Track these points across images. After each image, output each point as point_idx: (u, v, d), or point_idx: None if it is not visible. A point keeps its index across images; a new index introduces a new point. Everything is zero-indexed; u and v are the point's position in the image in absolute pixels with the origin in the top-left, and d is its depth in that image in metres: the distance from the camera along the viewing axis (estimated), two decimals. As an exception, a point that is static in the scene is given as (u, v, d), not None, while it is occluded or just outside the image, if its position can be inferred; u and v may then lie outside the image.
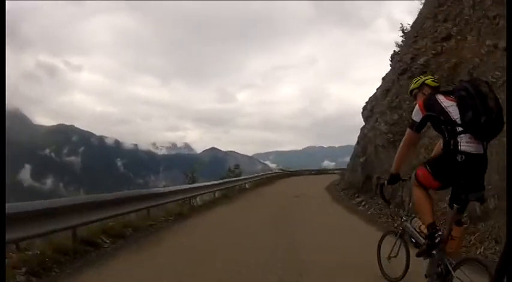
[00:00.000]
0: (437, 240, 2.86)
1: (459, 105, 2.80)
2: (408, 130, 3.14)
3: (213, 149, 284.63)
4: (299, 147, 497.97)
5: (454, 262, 2.75)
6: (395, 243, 3.64)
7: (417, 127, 3.05)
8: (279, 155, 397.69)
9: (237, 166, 27.56)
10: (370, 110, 15.53)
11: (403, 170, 3.40)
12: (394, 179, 3.30)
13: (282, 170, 34.69)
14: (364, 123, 18.17)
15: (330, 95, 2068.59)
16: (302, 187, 20.02)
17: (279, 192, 17.36)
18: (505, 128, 2.70)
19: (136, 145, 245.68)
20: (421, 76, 3.44)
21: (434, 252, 2.88)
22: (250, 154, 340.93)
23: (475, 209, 5.02)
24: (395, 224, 5.70)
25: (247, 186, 20.41)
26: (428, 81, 3.25)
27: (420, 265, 3.12)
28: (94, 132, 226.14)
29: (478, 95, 2.70)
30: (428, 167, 2.94)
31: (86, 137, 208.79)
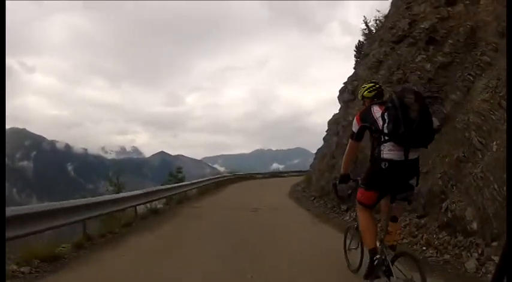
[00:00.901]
0: (375, 263, 3.12)
1: (383, 116, 3.04)
2: (349, 140, 3.52)
3: (162, 153, 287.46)
4: (248, 150, 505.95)
5: (392, 254, 3.13)
6: (353, 236, 4.06)
7: (356, 137, 3.41)
8: (227, 159, 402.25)
9: (179, 169, 22.89)
10: (351, 91, 12.03)
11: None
12: (345, 178, 3.65)
13: (233, 173, 30.05)
14: (337, 112, 14.81)
15: (280, 97, 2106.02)
16: (260, 194, 15.68)
17: (232, 204, 12.31)
18: (502, 128, 3.66)
19: (86, 149, 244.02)
20: (361, 88, 3.66)
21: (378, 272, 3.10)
22: (199, 158, 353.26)
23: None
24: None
25: (191, 193, 15.38)
26: (365, 94, 3.56)
27: None
28: (46, 136, 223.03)
29: (401, 107, 2.86)
30: (362, 185, 3.26)
31: (38, 142, 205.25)
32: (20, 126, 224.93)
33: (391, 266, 2.96)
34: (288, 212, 10.29)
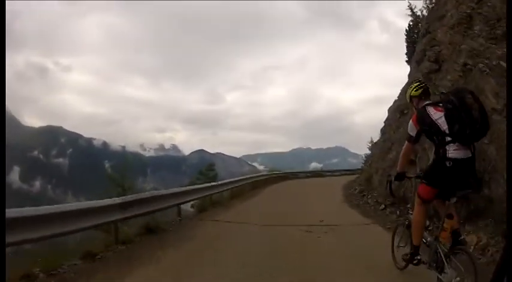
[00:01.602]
0: (415, 262, 3.50)
1: (446, 118, 3.14)
2: (406, 143, 3.66)
3: (201, 150, 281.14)
4: (287, 149, 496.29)
5: (446, 250, 3.16)
6: (403, 233, 4.03)
7: (414, 140, 3.55)
8: (266, 157, 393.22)
9: (211, 166, 19.93)
10: (434, 59, 8.51)
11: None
12: (400, 176, 3.80)
13: (272, 172, 26.29)
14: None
15: (319, 96, 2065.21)
16: (308, 200, 12.28)
17: (272, 217, 8.35)
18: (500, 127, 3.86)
19: (124, 147, 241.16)
20: (408, 89, 3.83)
21: (431, 240, 3.42)
22: (238, 156, 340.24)
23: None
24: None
25: (219, 197, 11.90)
26: (412, 93, 3.67)
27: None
28: (82, 133, 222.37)
29: (463, 108, 3.00)
30: (424, 180, 3.38)
31: (74, 139, 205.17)
32: (56, 124, 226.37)
33: (445, 262, 3.09)
34: (358, 231, 7.02)
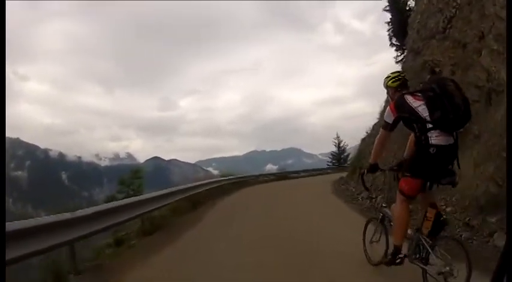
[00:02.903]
0: (397, 261, 3.24)
1: (428, 105, 3.02)
2: (381, 130, 3.41)
3: (156, 158, 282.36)
4: (241, 153, 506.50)
5: (430, 241, 2.96)
6: (376, 228, 3.84)
7: (390, 127, 3.30)
8: (221, 161, 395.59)
9: (137, 173, 13.48)
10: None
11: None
12: (373, 168, 3.52)
13: (227, 176, 18.57)
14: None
15: (274, 98, 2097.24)
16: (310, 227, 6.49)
17: None
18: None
19: (80, 157, 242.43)
20: (385, 78, 3.61)
21: (411, 233, 3.22)
22: (192, 161, 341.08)
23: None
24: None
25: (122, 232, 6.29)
26: (389, 84, 3.53)
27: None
28: (39, 144, 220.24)
29: (445, 95, 2.93)
30: (408, 173, 3.13)
31: (31, 151, 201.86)
32: (14, 136, 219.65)
33: (431, 252, 2.91)
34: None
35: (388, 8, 17.72)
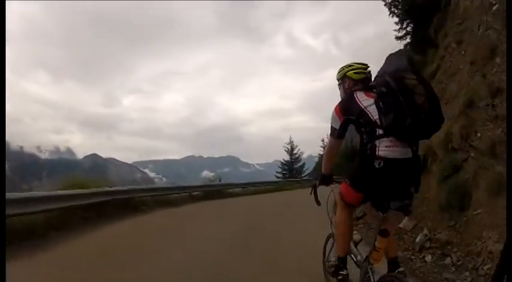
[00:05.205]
0: (340, 278, 2.48)
1: (377, 105, 2.25)
2: (330, 138, 2.66)
3: (94, 155, 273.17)
4: (179, 157, 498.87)
5: (378, 275, 2.33)
6: (332, 246, 3.05)
7: (338, 134, 2.53)
8: (158, 164, 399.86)
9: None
10: None
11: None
12: (326, 179, 2.84)
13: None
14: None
15: (216, 105, 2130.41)
16: None
17: None
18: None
19: (22, 147, 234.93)
20: (345, 66, 2.70)
21: (360, 259, 2.54)
22: (130, 162, 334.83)
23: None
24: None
25: None
26: (350, 73, 2.63)
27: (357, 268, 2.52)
28: None
29: (402, 91, 2.09)
30: (348, 180, 2.42)
31: None
32: None
33: None
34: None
35: None
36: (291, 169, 33.05)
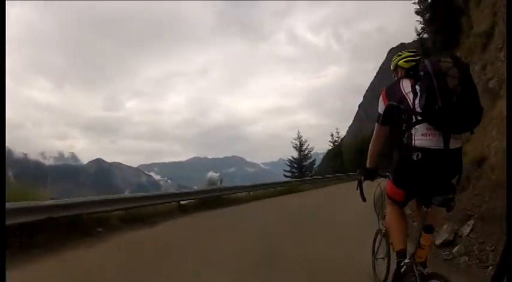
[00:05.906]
0: (402, 270, 2.29)
1: (413, 89, 2.18)
2: (376, 124, 2.54)
3: (99, 160, 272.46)
4: (184, 158, 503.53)
5: (424, 272, 2.19)
6: (380, 242, 3.09)
7: (383, 119, 2.43)
8: (164, 166, 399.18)
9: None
10: None
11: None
12: (371, 174, 2.71)
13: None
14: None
15: (219, 105, 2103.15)
16: None
17: None
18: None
19: (26, 154, 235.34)
20: (396, 56, 2.62)
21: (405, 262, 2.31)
22: (135, 165, 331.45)
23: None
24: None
25: None
26: (400, 63, 2.55)
27: None
28: None
29: (436, 74, 1.98)
30: (391, 176, 2.39)
31: None
32: None
33: None
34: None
35: None
36: (301, 167, 30.56)
